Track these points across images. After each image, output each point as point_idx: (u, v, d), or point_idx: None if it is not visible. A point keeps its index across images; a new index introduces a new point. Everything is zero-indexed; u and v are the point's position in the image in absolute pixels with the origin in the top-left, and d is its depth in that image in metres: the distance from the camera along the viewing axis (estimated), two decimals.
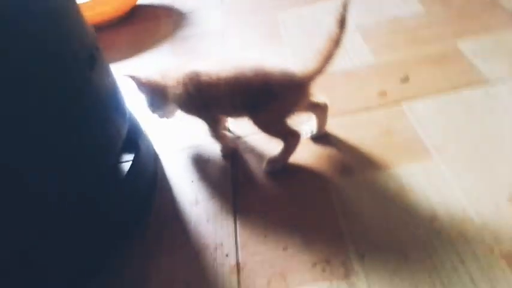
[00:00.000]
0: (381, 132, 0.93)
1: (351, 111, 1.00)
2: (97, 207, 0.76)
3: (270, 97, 0.78)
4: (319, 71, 0.77)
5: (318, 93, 0.86)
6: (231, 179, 0.91)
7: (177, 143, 1.03)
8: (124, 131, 0.84)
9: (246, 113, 0.84)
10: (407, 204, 0.78)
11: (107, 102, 0.77)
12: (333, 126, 0.96)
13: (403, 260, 0.69)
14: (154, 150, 1.01)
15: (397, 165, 0.85)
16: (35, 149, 0.60)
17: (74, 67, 0.67)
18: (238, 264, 0.74)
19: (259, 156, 0.94)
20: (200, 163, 0.96)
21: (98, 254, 0.79)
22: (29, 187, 0.62)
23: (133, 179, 0.85)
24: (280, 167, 0.89)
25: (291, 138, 0.85)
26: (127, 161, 0.87)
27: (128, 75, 0.87)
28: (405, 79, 1.05)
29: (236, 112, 0.86)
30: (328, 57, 0.77)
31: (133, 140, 0.90)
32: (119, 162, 0.88)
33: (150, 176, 0.94)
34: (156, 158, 1.00)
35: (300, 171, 0.89)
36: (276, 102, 0.79)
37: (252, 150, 0.96)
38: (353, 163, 0.88)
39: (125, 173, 0.84)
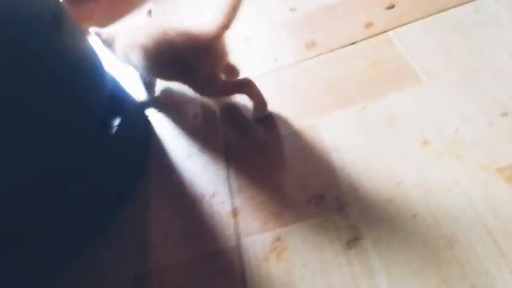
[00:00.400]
0: (369, 64, 0.90)
1: (336, 47, 0.97)
2: (89, 172, 0.77)
3: (183, 67, 0.77)
4: (225, 26, 0.73)
5: (301, 33, 0.83)
6: (222, 130, 0.90)
7: (165, 101, 1.02)
8: (104, 94, 0.82)
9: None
10: (398, 133, 0.76)
11: (80, 65, 0.76)
12: (319, 65, 0.94)
13: (396, 187, 0.69)
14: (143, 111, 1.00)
15: (386, 95, 0.83)
16: (10, 116, 0.60)
17: (36, 28, 0.65)
18: (234, 209, 0.75)
19: (248, 105, 0.93)
20: (189, 118, 0.95)
21: (96, 214, 0.81)
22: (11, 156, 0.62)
23: (123, 140, 0.85)
24: (265, 112, 0.87)
25: (242, 88, 0.84)
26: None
27: (92, 29, 0.91)
28: (390, 6, 1.01)
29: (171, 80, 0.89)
30: (232, 11, 0.72)
31: (119, 103, 0.89)
32: (109, 126, 0.87)
33: (143, 135, 0.94)
34: (147, 118, 0.99)
35: (287, 113, 0.87)
36: (192, 70, 0.77)
37: (240, 100, 0.95)
38: (341, 99, 0.86)
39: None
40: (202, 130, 0.92)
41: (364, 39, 0.96)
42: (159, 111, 1.00)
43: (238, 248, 0.70)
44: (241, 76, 0.92)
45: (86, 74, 0.78)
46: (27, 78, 0.63)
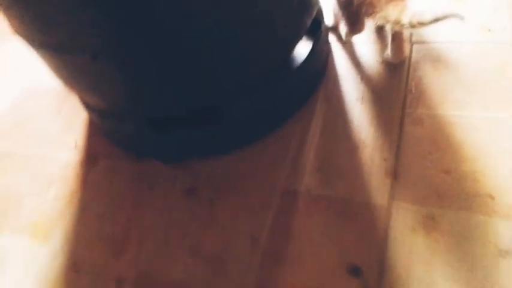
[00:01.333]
0: None
1: None
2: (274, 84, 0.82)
3: None
4: None
5: None
6: (404, 85, 0.86)
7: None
8: (313, 12, 0.83)
9: None
10: None
11: None
12: None
13: None
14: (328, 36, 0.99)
15: None
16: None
17: None
18: (395, 171, 0.76)
19: (439, 67, 0.87)
20: (371, 60, 0.93)
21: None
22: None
23: (310, 58, 0.86)
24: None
25: None
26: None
27: None
28: None
29: None
30: None
31: (317, 24, 0.88)
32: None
33: (323, 60, 0.94)
34: (329, 46, 0.99)
35: (484, 96, 0.80)
36: None
37: (432, 60, 0.88)
38: None
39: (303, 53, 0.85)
40: (384, 76, 0.89)
41: None
42: (344, 42, 0.98)
43: (388, 209, 0.72)
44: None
45: None
46: None
